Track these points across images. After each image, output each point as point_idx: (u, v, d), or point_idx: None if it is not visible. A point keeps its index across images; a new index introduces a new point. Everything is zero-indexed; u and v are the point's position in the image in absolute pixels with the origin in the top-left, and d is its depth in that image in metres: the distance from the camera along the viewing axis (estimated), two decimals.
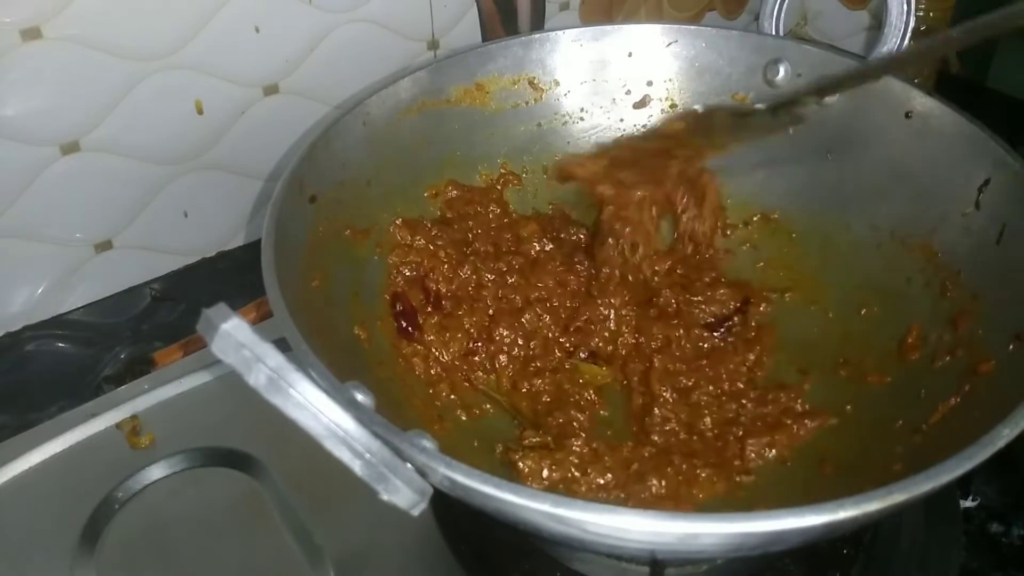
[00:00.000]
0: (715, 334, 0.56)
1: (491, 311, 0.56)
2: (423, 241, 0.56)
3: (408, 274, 0.56)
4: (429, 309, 0.55)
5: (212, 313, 0.31)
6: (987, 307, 0.47)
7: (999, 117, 0.52)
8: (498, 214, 0.62)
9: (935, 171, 0.53)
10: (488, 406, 0.53)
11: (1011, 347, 0.43)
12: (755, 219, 0.62)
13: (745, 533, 0.31)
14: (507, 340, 0.55)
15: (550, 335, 0.56)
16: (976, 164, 0.50)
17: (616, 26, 0.63)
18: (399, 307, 0.54)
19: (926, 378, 0.47)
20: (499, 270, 0.57)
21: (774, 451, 0.49)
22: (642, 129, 0.64)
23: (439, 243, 0.57)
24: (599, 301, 0.56)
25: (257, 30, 0.65)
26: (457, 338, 0.54)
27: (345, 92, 0.71)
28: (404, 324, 0.53)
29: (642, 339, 0.55)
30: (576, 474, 0.46)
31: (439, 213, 0.60)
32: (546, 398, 0.53)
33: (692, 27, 0.62)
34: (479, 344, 0.55)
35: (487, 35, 0.77)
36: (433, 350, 0.53)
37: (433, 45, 0.75)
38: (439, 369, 0.53)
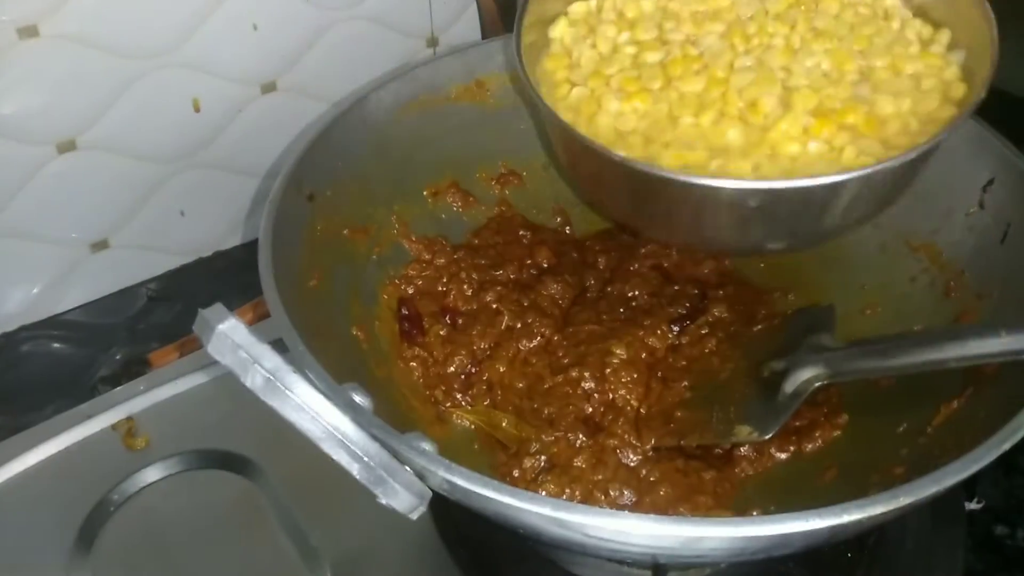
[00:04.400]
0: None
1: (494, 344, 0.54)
2: (443, 261, 0.56)
3: (420, 284, 0.55)
4: (447, 319, 0.54)
5: (208, 313, 0.31)
6: (991, 307, 0.47)
7: (1003, 116, 0.52)
8: (530, 238, 0.60)
9: (938, 171, 0.52)
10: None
11: None
12: None
13: (748, 537, 0.31)
14: (506, 375, 0.53)
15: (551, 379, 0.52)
16: (980, 163, 0.49)
17: None
18: (404, 311, 0.53)
19: (930, 380, 0.46)
20: (520, 303, 0.55)
21: (780, 455, 0.48)
22: None
23: (462, 266, 0.56)
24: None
25: (255, 27, 0.64)
26: (461, 354, 0.53)
27: (343, 89, 0.71)
28: (408, 327, 0.53)
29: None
30: (599, 495, 0.46)
31: (466, 240, 0.59)
32: (548, 411, 0.50)
33: None
34: (474, 370, 0.53)
35: (487, 32, 0.77)
36: (434, 353, 0.53)
37: (432, 42, 0.74)
38: (439, 370, 0.53)
